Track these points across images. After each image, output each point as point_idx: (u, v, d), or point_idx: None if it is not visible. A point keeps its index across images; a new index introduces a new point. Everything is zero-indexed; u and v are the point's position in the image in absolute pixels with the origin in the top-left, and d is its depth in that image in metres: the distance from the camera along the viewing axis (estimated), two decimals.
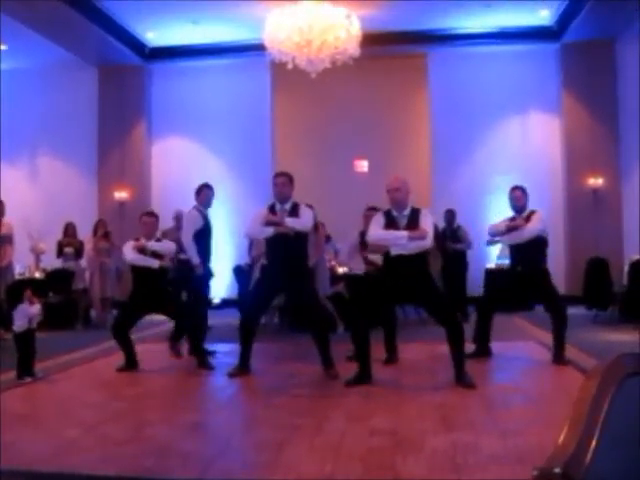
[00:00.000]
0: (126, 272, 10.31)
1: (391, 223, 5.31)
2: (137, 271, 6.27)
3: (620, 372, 1.22)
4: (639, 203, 11.05)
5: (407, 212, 5.35)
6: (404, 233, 5.20)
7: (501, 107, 12.18)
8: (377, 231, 5.33)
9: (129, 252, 6.24)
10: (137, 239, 6.34)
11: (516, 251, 6.37)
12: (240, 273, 9.83)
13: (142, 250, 6.22)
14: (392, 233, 5.25)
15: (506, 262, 7.66)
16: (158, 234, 6.60)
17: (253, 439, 3.91)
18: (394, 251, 5.24)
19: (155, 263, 6.17)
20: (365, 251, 6.38)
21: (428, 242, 5.28)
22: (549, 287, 6.28)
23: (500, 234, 6.45)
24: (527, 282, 6.26)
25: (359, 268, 6.51)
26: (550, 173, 12.09)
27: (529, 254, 6.22)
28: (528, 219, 6.26)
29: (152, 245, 6.25)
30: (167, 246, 6.43)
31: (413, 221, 5.28)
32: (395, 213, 5.36)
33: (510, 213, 6.49)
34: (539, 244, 6.27)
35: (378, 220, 5.38)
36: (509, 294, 6.57)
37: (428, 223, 5.32)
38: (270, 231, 5.68)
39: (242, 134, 12.59)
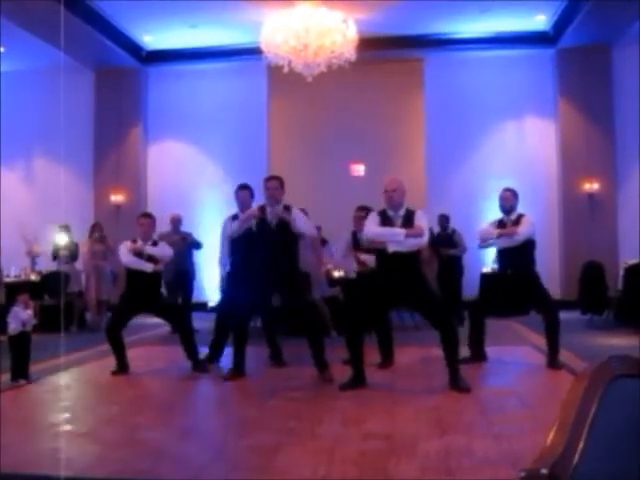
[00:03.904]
0: (122, 275, 10.37)
1: (386, 222, 5.34)
2: (131, 273, 6.26)
3: (608, 374, 1.22)
4: (634, 208, 11.10)
5: (402, 212, 5.38)
6: (401, 230, 5.23)
7: (497, 112, 12.21)
8: (374, 228, 5.34)
9: (124, 254, 6.22)
10: (134, 240, 6.32)
11: (505, 255, 6.39)
12: None
13: (139, 253, 6.20)
14: (389, 229, 5.28)
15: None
16: (155, 236, 6.61)
17: (247, 443, 3.90)
18: (391, 248, 5.24)
19: (149, 267, 6.16)
20: (358, 251, 6.39)
21: (425, 239, 5.31)
22: (540, 290, 6.30)
23: (492, 239, 6.46)
24: (518, 286, 6.28)
25: (352, 268, 6.53)
26: (546, 178, 12.12)
27: (518, 258, 6.25)
28: (517, 222, 6.30)
29: (149, 249, 6.24)
30: (164, 251, 6.38)
31: (408, 221, 5.31)
32: (390, 213, 5.38)
33: (499, 215, 6.51)
34: (528, 247, 6.30)
35: (373, 218, 5.41)
36: (500, 298, 6.57)
37: (424, 222, 5.35)
38: (244, 226, 5.79)
39: (238, 137, 12.59)
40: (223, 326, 6.50)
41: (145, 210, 12.16)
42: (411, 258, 5.28)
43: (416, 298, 5.35)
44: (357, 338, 5.31)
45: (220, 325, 6.54)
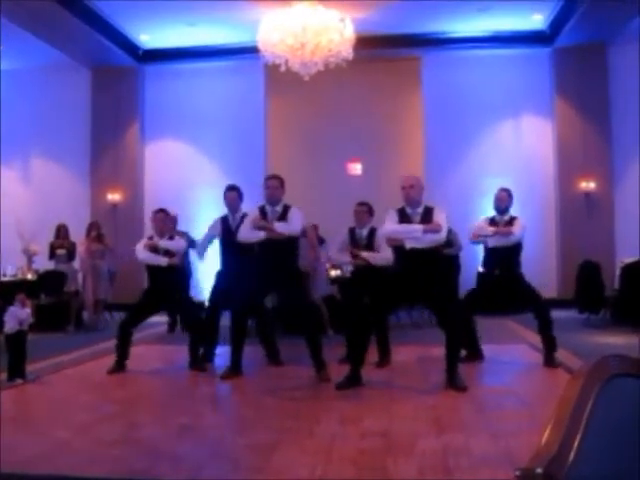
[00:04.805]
0: (119, 274, 10.37)
1: (404, 219, 5.33)
2: (150, 269, 6.41)
3: (604, 373, 1.22)
4: (631, 206, 11.12)
5: (421, 209, 5.38)
6: (419, 226, 5.23)
7: (494, 110, 12.22)
8: (391, 225, 5.34)
9: (140, 251, 6.38)
10: (150, 237, 6.49)
11: (495, 255, 6.39)
12: None
13: (154, 248, 6.33)
14: (406, 226, 5.27)
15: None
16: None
17: (244, 442, 3.90)
18: (409, 245, 5.23)
19: (163, 261, 6.27)
20: (355, 247, 6.41)
21: (443, 235, 5.32)
22: (529, 289, 6.34)
23: (486, 235, 6.46)
24: (505, 286, 6.34)
25: (347, 262, 6.57)
26: (542, 176, 12.14)
27: (507, 259, 6.30)
28: (510, 223, 6.34)
29: (163, 243, 6.37)
30: (178, 244, 6.52)
31: (427, 218, 5.31)
32: (409, 210, 5.38)
33: (492, 213, 6.54)
34: (516, 249, 6.36)
35: (392, 216, 5.39)
36: (488, 298, 6.58)
37: (442, 218, 5.35)
38: (261, 235, 5.69)
39: (235, 136, 12.58)
40: (213, 323, 6.52)
41: (141, 209, 12.23)
42: (430, 254, 5.26)
43: (431, 295, 5.33)
44: (364, 337, 5.31)
45: (210, 322, 6.54)
